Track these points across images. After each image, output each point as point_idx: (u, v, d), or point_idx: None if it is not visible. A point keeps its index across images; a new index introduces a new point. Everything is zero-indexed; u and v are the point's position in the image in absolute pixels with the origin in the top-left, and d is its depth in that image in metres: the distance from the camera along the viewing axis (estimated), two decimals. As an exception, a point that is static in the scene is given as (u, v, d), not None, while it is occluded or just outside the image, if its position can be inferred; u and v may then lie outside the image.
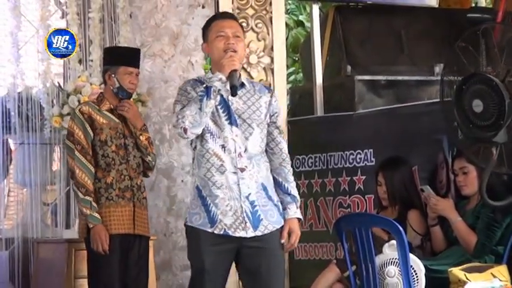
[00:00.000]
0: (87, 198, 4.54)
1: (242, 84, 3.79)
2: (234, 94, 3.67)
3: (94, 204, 4.54)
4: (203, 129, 3.68)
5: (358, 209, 5.55)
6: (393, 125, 5.50)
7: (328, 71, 6.36)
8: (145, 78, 5.81)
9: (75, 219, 5.59)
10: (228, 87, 3.66)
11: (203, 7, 5.86)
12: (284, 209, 3.79)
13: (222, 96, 3.69)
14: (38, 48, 5.76)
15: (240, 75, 3.77)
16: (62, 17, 6.01)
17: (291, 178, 3.85)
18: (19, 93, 5.86)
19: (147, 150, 4.74)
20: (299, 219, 3.82)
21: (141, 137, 4.71)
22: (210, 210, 3.66)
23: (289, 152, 3.59)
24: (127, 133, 4.71)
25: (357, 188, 5.60)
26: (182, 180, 5.79)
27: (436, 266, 4.66)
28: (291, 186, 3.83)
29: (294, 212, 3.80)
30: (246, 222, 3.67)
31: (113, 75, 4.69)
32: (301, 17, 11.06)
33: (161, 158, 5.75)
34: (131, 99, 4.81)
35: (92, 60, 5.72)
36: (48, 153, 5.89)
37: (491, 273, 4.48)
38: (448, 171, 5.08)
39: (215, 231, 3.66)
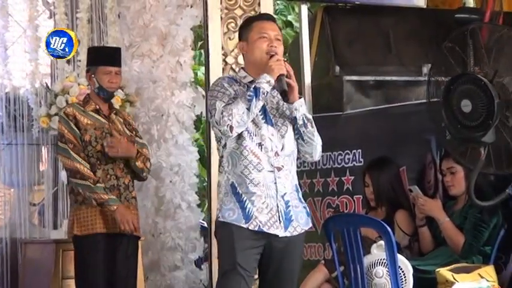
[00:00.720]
0: (99, 185, 4.56)
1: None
2: (286, 99, 3.68)
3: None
4: None
5: (346, 209, 5.55)
6: (382, 125, 5.50)
7: (317, 71, 6.35)
8: (134, 79, 5.80)
9: (63, 219, 5.58)
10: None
11: (191, 7, 5.86)
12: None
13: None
14: (26, 49, 5.75)
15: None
16: (50, 17, 5.99)
17: None
18: (6, 93, 5.85)
19: (143, 172, 4.75)
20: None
21: (137, 163, 4.71)
22: (246, 207, 3.67)
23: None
24: (114, 133, 4.70)
25: (345, 188, 5.60)
26: (170, 181, 5.81)
27: (424, 267, 4.66)
28: None
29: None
30: (280, 221, 3.70)
31: (93, 76, 4.71)
32: (289, 17, 11.05)
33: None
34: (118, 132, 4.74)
35: (80, 61, 5.71)
36: (35, 153, 5.87)
37: (479, 274, 4.48)
38: (436, 172, 5.09)
39: (249, 227, 3.66)
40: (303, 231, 3.78)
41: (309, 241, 5.71)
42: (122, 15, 5.89)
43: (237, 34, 5.50)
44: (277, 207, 3.71)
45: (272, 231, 3.69)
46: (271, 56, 3.71)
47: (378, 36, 6.46)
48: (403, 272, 4.50)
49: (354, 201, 5.54)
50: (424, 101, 5.04)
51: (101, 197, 4.54)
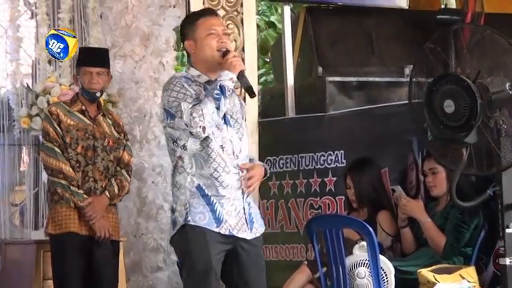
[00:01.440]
0: (80, 191, 4.58)
1: None
2: (253, 95, 3.65)
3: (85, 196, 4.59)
4: None
5: (329, 210, 5.55)
6: (364, 126, 5.50)
7: (299, 72, 6.35)
8: (116, 79, 5.76)
9: (44, 220, 5.54)
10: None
11: (174, 7, 5.84)
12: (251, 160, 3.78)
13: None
14: (7, 49, 5.71)
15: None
16: (32, 18, 5.94)
17: None
18: (-13, 94, 5.81)
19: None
20: (266, 173, 3.78)
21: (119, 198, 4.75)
22: (216, 210, 3.62)
23: (260, 153, 3.59)
24: (98, 135, 4.69)
25: (327, 189, 5.60)
26: (153, 182, 5.78)
27: (406, 267, 4.67)
28: None
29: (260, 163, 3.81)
30: (247, 224, 3.67)
31: (78, 76, 4.74)
32: (272, 18, 11.05)
33: None
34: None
35: (61, 61, 5.67)
36: (16, 154, 5.83)
37: (460, 275, 4.49)
38: (417, 172, 5.09)
39: (221, 231, 3.62)
40: (261, 233, 3.75)
41: (292, 242, 5.73)
42: (104, 16, 5.86)
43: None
44: (244, 209, 3.68)
45: (241, 234, 3.65)
46: (225, 53, 3.65)
47: (361, 37, 6.48)
48: (385, 272, 4.50)
49: (336, 202, 5.54)
50: (406, 101, 5.05)
51: (79, 204, 4.56)
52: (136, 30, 5.82)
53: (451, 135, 4.44)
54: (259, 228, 3.74)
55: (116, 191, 4.71)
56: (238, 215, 3.66)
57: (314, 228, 4.66)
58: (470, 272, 4.55)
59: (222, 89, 3.57)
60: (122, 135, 4.82)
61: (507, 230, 4.39)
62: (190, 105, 3.57)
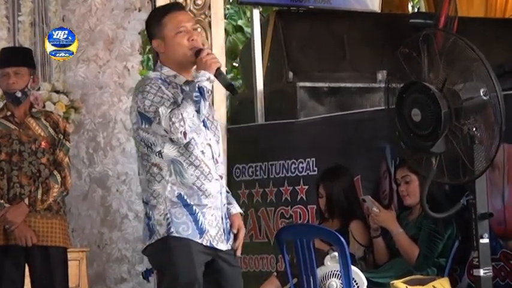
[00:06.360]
0: (1, 201, 4.45)
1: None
2: (235, 92, 3.51)
3: None
4: None
5: (300, 219, 5.48)
6: (336, 133, 5.45)
7: (269, 78, 6.34)
8: (79, 84, 5.73)
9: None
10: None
11: (139, 11, 5.80)
12: (228, 203, 3.65)
13: None
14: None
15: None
16: (-10, 20, 5.83)
17: None
18: None
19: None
20: (241, 213, 3.71)
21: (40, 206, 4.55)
22: (198, 220, 3.47)
23: (228, 161, 3.49)
24: (24, 139, 4.55)
25: (299, 198, 5.53)
26: (117, 190, 5.72)
27: (378, 279, 4.61)
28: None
29: (237, 206, 3.69)
30: (225, 234, 3.54)
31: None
32: (240, 22, 11.03)
33: (95, 167, 5.68)
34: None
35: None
36: None
37: (433, 286, 4.42)
38: (390, 181, 5.04)
39: (203, 243, 3.48)
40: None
41: (262, 252, 5.67)
42: (66, 19, 5.79)
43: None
44: (222, 219, 3.55)
45: (219, 246, 3.53)
46: (198, 51, 3.50)
47: (332, 41, 6.49)
48: (357, 284, 4.43)
49: (308, 211, 5.47)
50: (379, 108, 5.01)
51: None
52: (100, 34, 5.77)
53: (420, 144, 4.37)
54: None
55: (39, 196, 4.53)
56: (218, 225, 3.53)
57: (284, 238, 4.57)
58: (444, 283, 4.48)
59: (200, 90, 3.41)
60: (61, 135, 4.64)
61: (481, 240, 4.31)
62: (169, 110, 3.40)
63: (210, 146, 3.52)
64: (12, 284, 4.45)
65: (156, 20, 3.58)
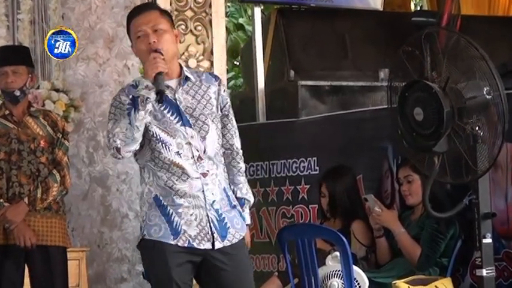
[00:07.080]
0: (1, 200, 4.43)
1: (187, 78, 3.50)
2: (161, 100, 3.38)
3: None
4: (152, 140, 3.41)
5: (302, 219, 5.47)
6: (338, 132, 5.43)
7: (271, 76, 6.34)
8: (79, 83, 5.69)
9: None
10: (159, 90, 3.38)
11: (140, 8, 5.76)
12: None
13: (166, 98, 3.40)
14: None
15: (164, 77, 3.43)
16: (-11, 18, 5.82)
17: (241, 179, 3.61)
18: None
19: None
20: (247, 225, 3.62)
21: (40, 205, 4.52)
22: (173, 221, 3.40)
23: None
24: (23, 138, 4.53)
25: (300, 197, 5.51)
26: (117, 189, 5.69)
27: (380, 279, 4.60)
28: (239, 188, 3.59)
29: (247, 218, 3.60)
30: (213, 233, 3.43)
31: None
32: (241, 20, 11.03)
33: (95, 166, 5.65)
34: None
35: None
36: None
37: (436, 286, 4.41)
38: (392, 181, 5.02)
39: (179, 243, 3.40)
40: (241, 237, 3.50)
41: (263, 252, 5.64)
42: (66, 17, 5.76)
43: (188, 37, 5.49)
44: (208, 217, 3.43)
45: (203, 246, 3.41)
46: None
47: (334, 39, 6.50)
48: (358, 284, 4.41)
49: (309, 210, 5.45)
50: (382, 107, 4.99)
51: None
52: (100, 32, 5.75)
53: (422, 143, 4.35)
54: (237, 234, 3.48)
55: (39, 195, 4.51)
56: (201, 224, 3.42)
57: (286, 237, 4.56)
58: (446, 283, 4.47)
59: (134, 100, 3.35)
60: (59, 134, 4.62)
61: (484, 240, 4.30)
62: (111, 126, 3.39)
63: (190, 145, 3.42)
64: (12, 283, 4.44)
65: (127, 25, 3.55)
